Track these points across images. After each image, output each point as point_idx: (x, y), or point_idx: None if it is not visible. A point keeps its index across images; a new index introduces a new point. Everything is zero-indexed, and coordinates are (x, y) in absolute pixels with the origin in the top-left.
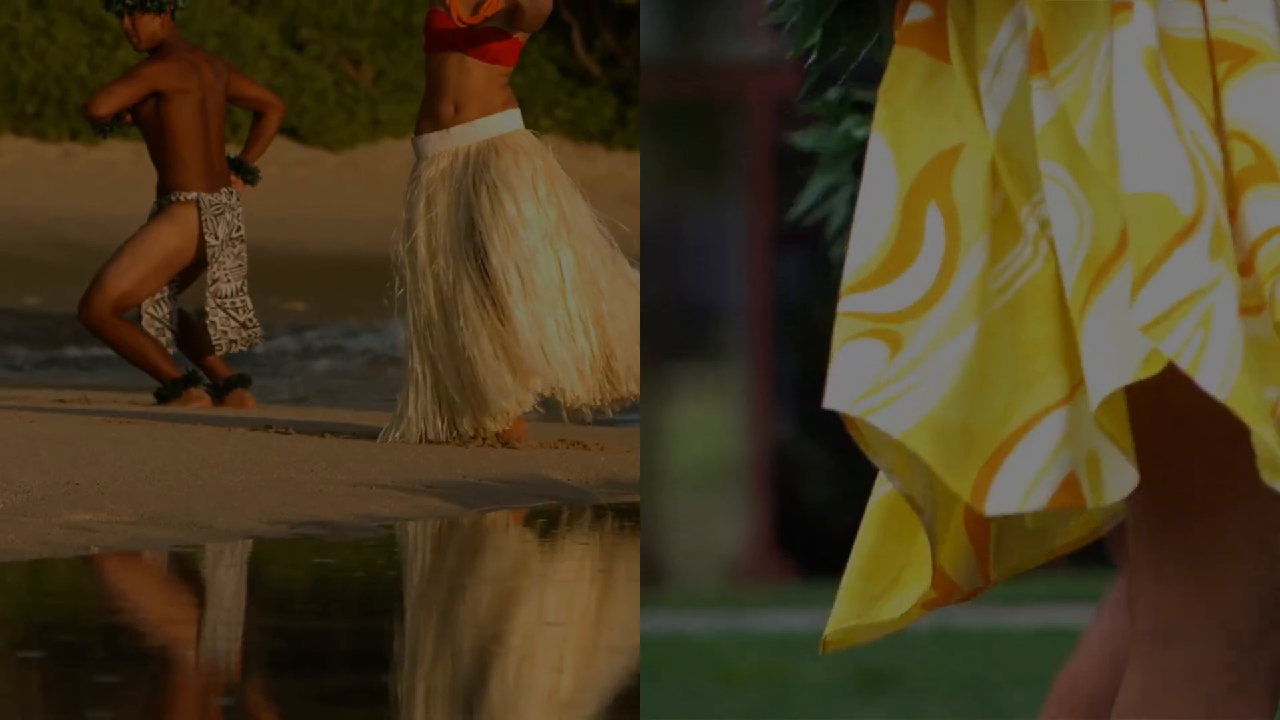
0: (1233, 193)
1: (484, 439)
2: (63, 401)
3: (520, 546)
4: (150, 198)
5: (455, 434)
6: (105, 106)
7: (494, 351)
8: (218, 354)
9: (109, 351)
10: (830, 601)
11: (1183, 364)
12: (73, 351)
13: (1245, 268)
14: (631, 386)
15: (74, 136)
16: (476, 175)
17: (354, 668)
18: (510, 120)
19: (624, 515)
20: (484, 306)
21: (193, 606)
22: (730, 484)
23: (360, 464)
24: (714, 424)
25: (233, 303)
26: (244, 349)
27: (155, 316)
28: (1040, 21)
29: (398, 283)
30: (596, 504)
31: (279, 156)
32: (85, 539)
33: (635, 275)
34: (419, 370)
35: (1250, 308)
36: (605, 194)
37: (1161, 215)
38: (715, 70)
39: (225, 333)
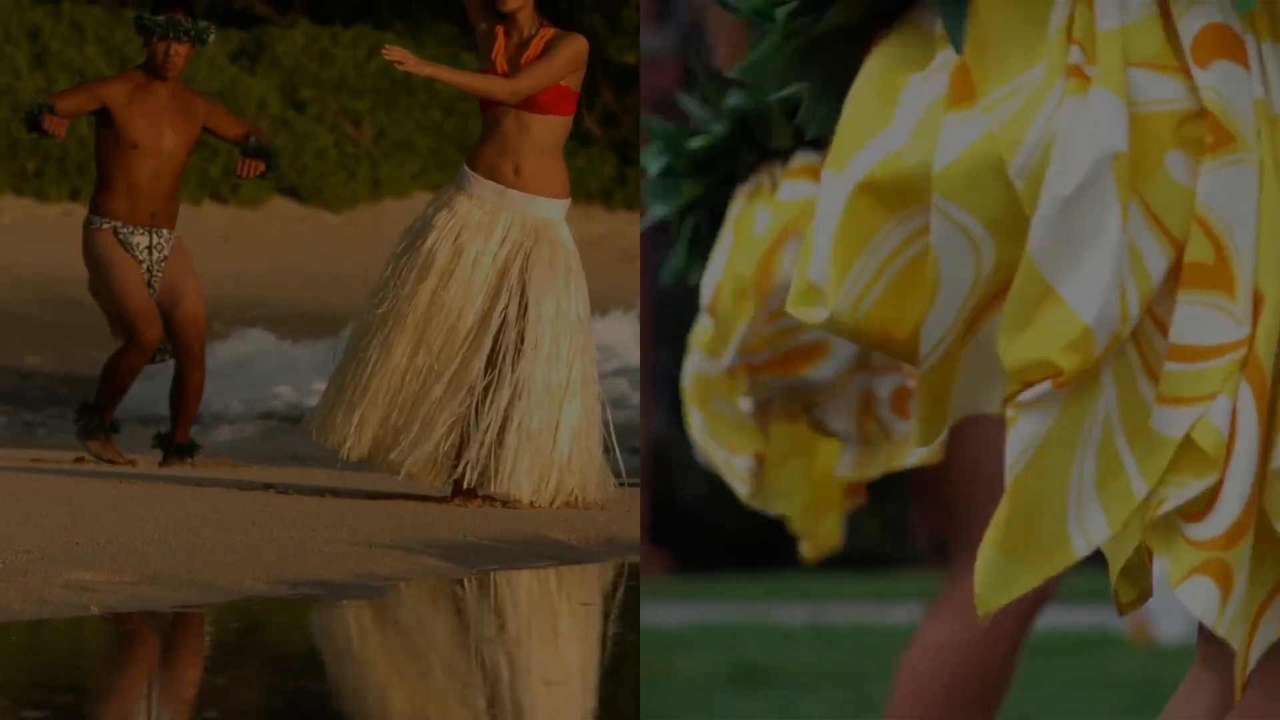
0: (1176, 278)
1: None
2: (76, 461)
3: (521, 606)
4: None
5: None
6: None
7: (445, 428)
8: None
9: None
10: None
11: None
12: (73, 411)
13: (1180, 353)
14: (562, 496)
15: (74, 196)
16: (510, 258)
17: None
18: (560, 210)
19: (626, 575)
20: (450, 381)
21: (193, 666)
22: None
23: (360, 523)
24: None
25: None
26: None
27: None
28: (969, 55)
29: (386, 298)
30: (598, 563)
31: (280, 215)
32: (85, 598)
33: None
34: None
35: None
36: (606, 253)
37: (1065, 325)
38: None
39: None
